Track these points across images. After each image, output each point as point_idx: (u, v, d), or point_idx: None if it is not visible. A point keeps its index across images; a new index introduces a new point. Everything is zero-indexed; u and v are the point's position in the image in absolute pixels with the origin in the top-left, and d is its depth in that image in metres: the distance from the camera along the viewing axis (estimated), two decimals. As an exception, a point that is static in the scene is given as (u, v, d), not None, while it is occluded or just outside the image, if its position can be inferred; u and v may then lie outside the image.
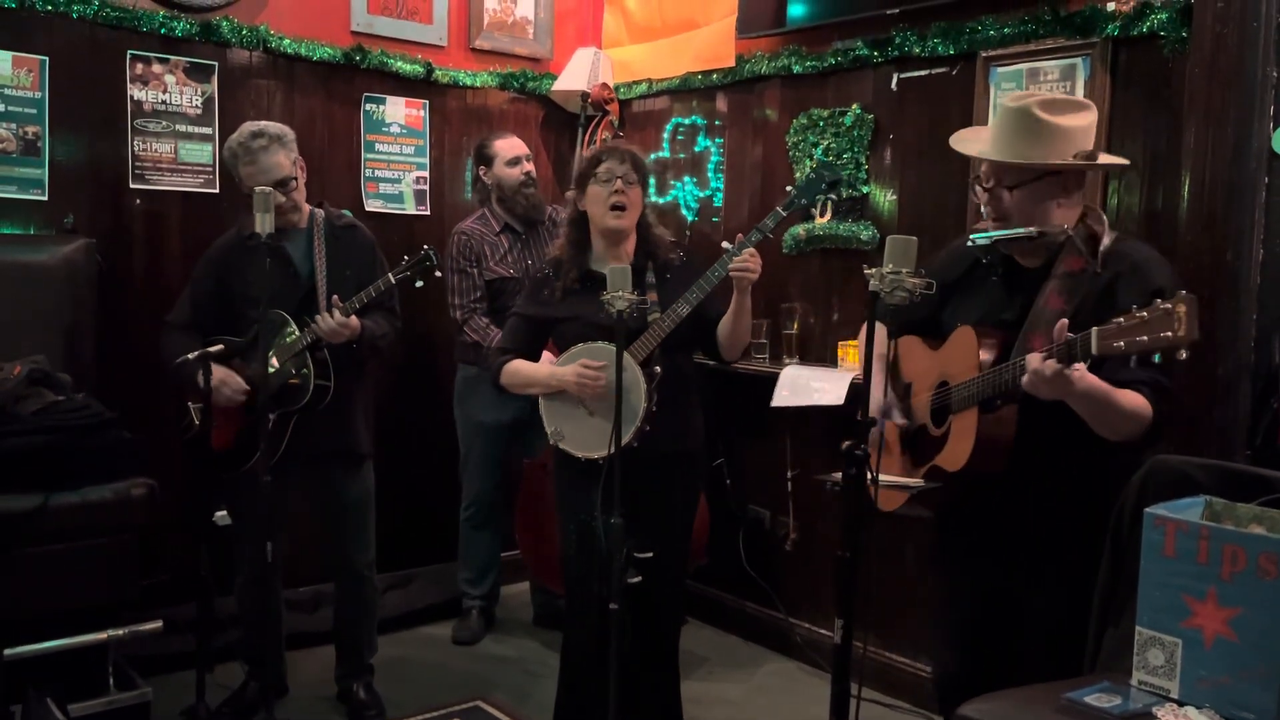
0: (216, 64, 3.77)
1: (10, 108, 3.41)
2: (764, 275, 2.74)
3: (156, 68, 3.66)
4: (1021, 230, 2.13)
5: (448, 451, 4.11)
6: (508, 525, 4.11)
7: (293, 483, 3.13)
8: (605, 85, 4.40)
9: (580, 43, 4.63)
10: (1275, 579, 1.63)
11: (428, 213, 4.32)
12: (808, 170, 2.99)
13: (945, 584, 2.45)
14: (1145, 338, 1.73)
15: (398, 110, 4.22)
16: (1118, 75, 2.92)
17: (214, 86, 3.77)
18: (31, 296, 3.22)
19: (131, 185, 3.64)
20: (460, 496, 4.09)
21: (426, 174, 4.32)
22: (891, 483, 2.31)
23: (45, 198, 3.47)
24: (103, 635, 2.86)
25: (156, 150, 3.68)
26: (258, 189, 2.79)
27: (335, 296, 3.03)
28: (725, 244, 2.69)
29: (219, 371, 3.04)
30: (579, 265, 2.79)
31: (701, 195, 4.24)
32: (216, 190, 3.78)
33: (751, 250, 2.63)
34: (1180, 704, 1.73)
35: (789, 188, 2.77)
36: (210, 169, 3.77)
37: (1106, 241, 2.13)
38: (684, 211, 4.30)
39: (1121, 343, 1.77)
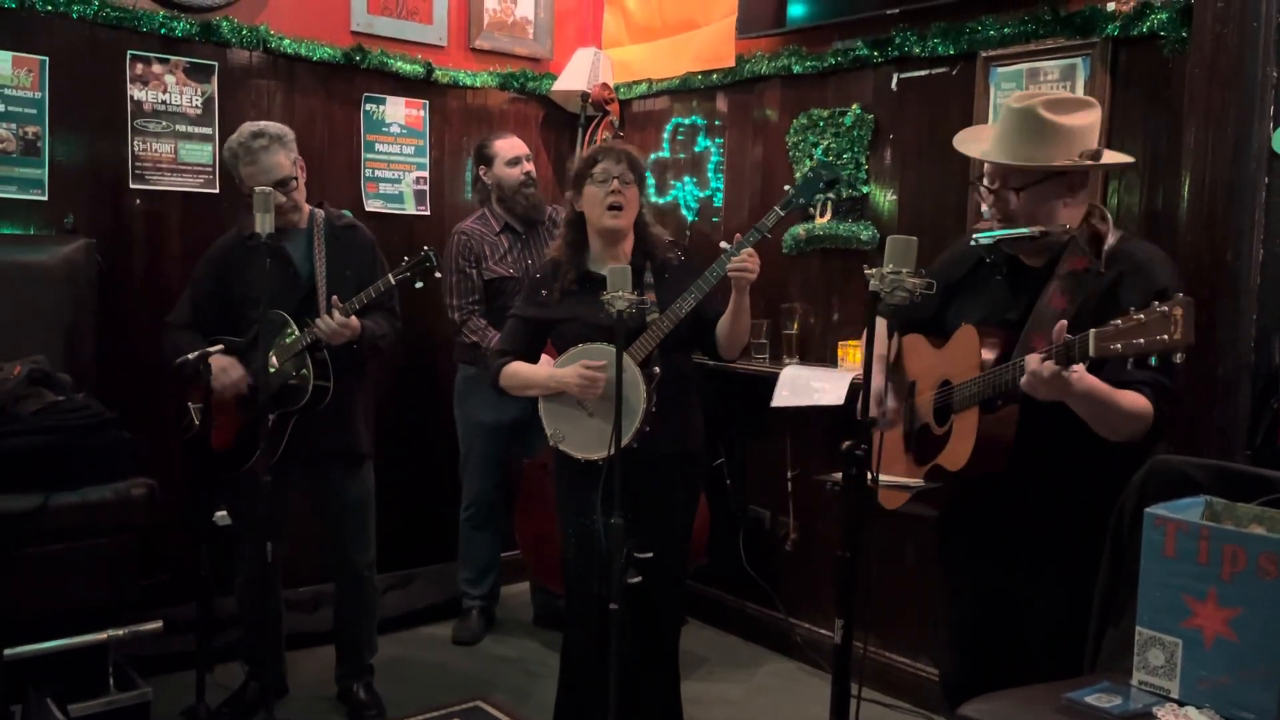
0: (216, 64, 3.77)
1: (10, 108, 3.41)
2: (764, 275, 2.74)
3: (156, 68, 3.66)
4: (1025, 230, 2.13)
5: (448, 451, 4.11)
6: (508, 525, 4.11)
7: (293, 483, 3.13)
8: (605, 85, 4.40)
9: (580, 43, 4.63)
10: (1275, 579, 1.63)
11: (428, 213, 4.32)
12: (806, 170, 2.99)
13: (947, 584, 2.45)
14: (1142, 340, 1.74)
15: (398, 110, 4.23)
16: (1118, 75, 2.92)
17: (214, 87, 3.77)
18: (31, 296, 3.22)
19: (131, 185, 3.64)
20: (460, 496, 4.09)
21: (426, 174, 4.32)
22: (891, 483, 2.31)
23: (45, 198, 3.47)
24: (103, 635, 2.86)
25: (156, 150, 3.68)
26: (258, 189, 2.79)
27: (335, 297, 3.03)
28: (724, 244, 2.69)
29: (221, 359, 3.04)
30: (577, 266, 2.78)
31: (701, 195, 4.24)
32: (216, 190, 3.78)
33: (750, 250, 2.63)
34: (1180, 704, 1.73)
35: (787, 187, 2.76)
36: (210, 169, 3.77)
37: (1111, 241, 2.13)
38: (684, 211, 4.30)
39: (1119, 345, 1.77)
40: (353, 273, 3.17)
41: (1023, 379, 1.95)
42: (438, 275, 3.16)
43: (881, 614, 3.43)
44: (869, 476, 1.87)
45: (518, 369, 2.80)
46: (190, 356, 2.98)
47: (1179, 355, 1.71)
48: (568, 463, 2.73)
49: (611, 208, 2.72)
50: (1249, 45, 2.44)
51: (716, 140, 4.18)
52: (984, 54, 3.19)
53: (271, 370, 2.99)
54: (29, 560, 2.74)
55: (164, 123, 3.69)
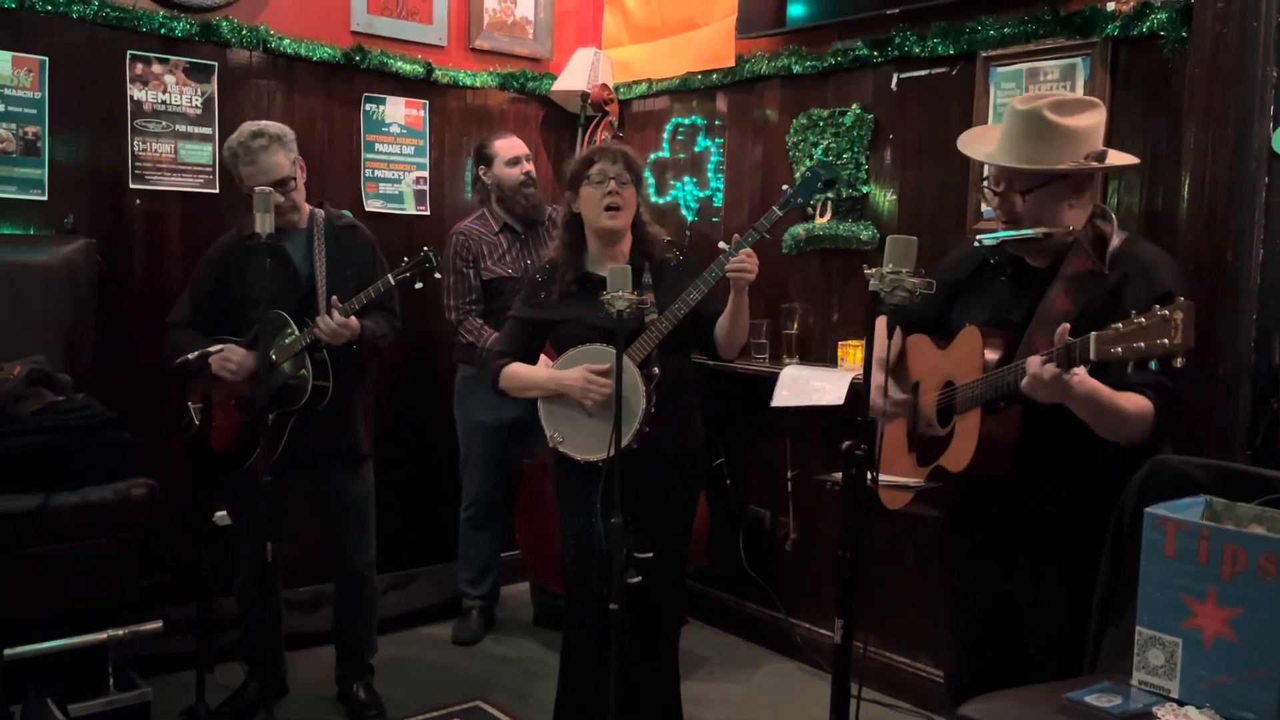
0: (216, 64, 3.77)
1: (10, 108, 3.41)
2: (764, 275, 2.74)
3: (156, 68, 3.66)
4: (1029, 231, 2.13)
5: (448, 451, 4.11)
6: (508, 525, 4.11)
7: (293, 483, 3.12)
8: (605, 86, 4.40)
9: (580, 43, 4.63)
10: (1275, 579, 1.63)
11: (427, 213, 4.32)
12: (804, 170, 2.99)
13: (951, 584, 2.45)
14: (1142, 344, 1.73)
15: (398, 110, 4.23)
16: (1118, 75, 2.92)
17: (214, 86, 3.77)
18: (31, 296, 3.22)
19: (131, 185, 3.64)
20: (460, 496, 4.09)
21: (426, 174, 4.32)
22: (891, 482, 2.31)
23: (45, 198, 3.47)
24: (103, 635, 2.86)
25: (156, 150, 3.68)
26: (257, 189, 2.79)
27: (335, 297, 3.03)
28: (722, 244, 2.69)
29: (224, 351, 3.04)
30: (575, 267, 2.78)
31: (701, 195, 4.24)
32: (216, 190, 3.78)
33: (749, 250, 2.63)
34: (1180, 704, 1.73)
35: (785, 187, 2.76)
36: (210, 169, 3.77)
37: (1115, 242, 2.13)
38: (684, 211, 4.30)
39: (1119, 348, 1.77)
40: (353, 273, 3.17)
41: (1023, 381, 1.95)
42: (437, 276, 3.16)
43: (881, 614, 3.43)
44: (869, 476, 1.87)
45: (517, 370, 2.80)
46: (190, 356, 2.98)
47: (1179, 360, 1.71)
48: (567, 464, 2.73)
49: (609, 208, 2.72)
50: (1249, 45, 2.44)
51: (716, 140, 4.18)
52: (984, 54, 3.19)
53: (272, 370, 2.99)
54: (29, 560, 2.74)
55: (164, 123, 3.69)
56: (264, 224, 2.72)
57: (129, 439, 2.96)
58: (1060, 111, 2.10)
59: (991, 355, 2.14)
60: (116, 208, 3.62)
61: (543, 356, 2.92)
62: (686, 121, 4.30)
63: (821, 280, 3.78)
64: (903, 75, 3.48)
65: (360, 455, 3.30)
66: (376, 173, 4.20)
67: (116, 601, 2.91)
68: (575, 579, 2.82)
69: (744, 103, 4.06)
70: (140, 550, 2.95)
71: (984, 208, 3.20)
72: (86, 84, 3.53)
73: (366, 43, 4.08)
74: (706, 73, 4.15)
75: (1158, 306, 1.73)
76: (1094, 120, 2.14)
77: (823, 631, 3.74)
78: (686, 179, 4.29)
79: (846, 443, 1.88)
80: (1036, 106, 2.11)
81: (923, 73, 3.42)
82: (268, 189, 2.80)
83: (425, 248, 3.10)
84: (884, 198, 3.57)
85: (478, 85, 4.40)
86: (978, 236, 2.25)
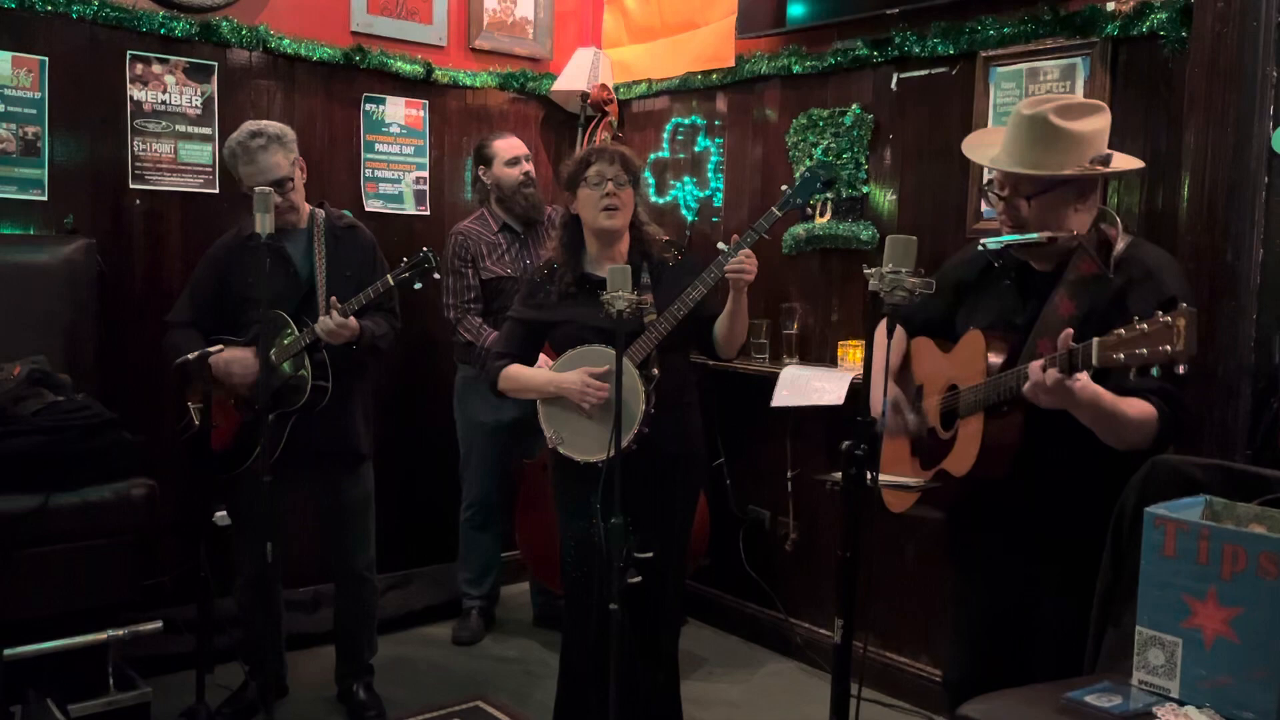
0: (216, 64, 3.77)
1: (10, 108, 3.41)
2: (764, 275, 2.73)
3: (156, 68, 3.66)
4: (1034, 236, 2.12)
5: (448, 451, 4.11)
6: (508, 526, 4.11)
7: (293, 483, 3.12)
8: (604, 86, 4.40)
9: (580, 43, 4.63)
10: (1276, 579, 1.63)
11: (427, 213, 4.32)
12: (803, 170, 2.99)
13: (954, 585, 2.44)
14: (1144, 350, 1.73)
15: (397, 110, 4.23)
16: (1118, 75, 2.92)
17: (214, 87, 3.77)
18: (31, 296, 3.22)
19: (131, 185, 3.64)
20: (460, 497, 4.09)
21: (426, 174, 4.32)
22: (891, 482, 2.31)
23: (45, 198, 3.47)
24: (103, 635, 2.86)
25: (156, 150, 3.68)
26: (257, 189, 2.79)
27: (334, 298, 3.03)
28: (721, 244, 2.69)
29: (225, 353, 3.04)
30: (573, 268, 2.78)
31: (701, 195, 4.24)
32: (216, 190, 3.78)
33: (748, 251, 2.62)
34: (1180, 704, 1.73)
35: (784, 187, 2.76)
36: (210, 169, 3.77)
37: (1120, 246, 2.12)
38: (684, 211, 4.30)
39: (1121, 354, 1.76)
40: (353, 273, 3.17)
41: (1025, 386, 1.94)
42: (436, 276, 3.16)
43: (881, 614, 3.43)
44: (869, 476, 1.87)
45: (516, 372, 2.79)
46: (190, 356, 2.98)
47: (1181, 366, 1.70)
48: (567, 465, 2.73)
49: (607, 209, 2.71)
50: (1249, 45, 2.44)
51: (716, 140, 4.18)
52: (984, 54, 3.19)
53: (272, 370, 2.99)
54: (29, 561, 2.74)
55: (164, 123, 3.69)
56: (264, 224, 2.71)
57: (129, 439, 2.96)
58: (1066, 116, 2.09)
59: (995, 359, 2.13)
60: (116, 208, 3.62)
61: (542, 356, 2.91)
62: (686, 121, 4.30)
63: (821, 280, 3.78)
64: (903, 75, 3.48)
65: (360, 455, 3.30)
66: (376, 173, 4.20)
67: (116, 602, 2.91)
68: (575, 580, 2.82)
69: (744, 103, 4.06)
70: (140, 550, 2.95)
71: (984, 207, 3.20)
72: (86, 84, 3.54)
73: (366, 43, 4.08)
74: (706, 73, 4.15)
75: (1160, 313, 1.73)
76: (1099, 124, 2.13)
77: (823, 631, 3.74)
78: (686, 179, 4.29)
79: (846, 443, 1.87)
80: (1042, 111, 2.10)
81: (923, 73, 3.42)
82: (267, 189, 2.80)
83: (425, 248, 3.10)
84: (884, 198, 3.57)
85: (478, 85, 4.40)
86: (981, 241, 2.24)
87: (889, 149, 3.55)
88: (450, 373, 4.06)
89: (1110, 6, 2.89)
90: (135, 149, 3.64)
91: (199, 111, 3.75)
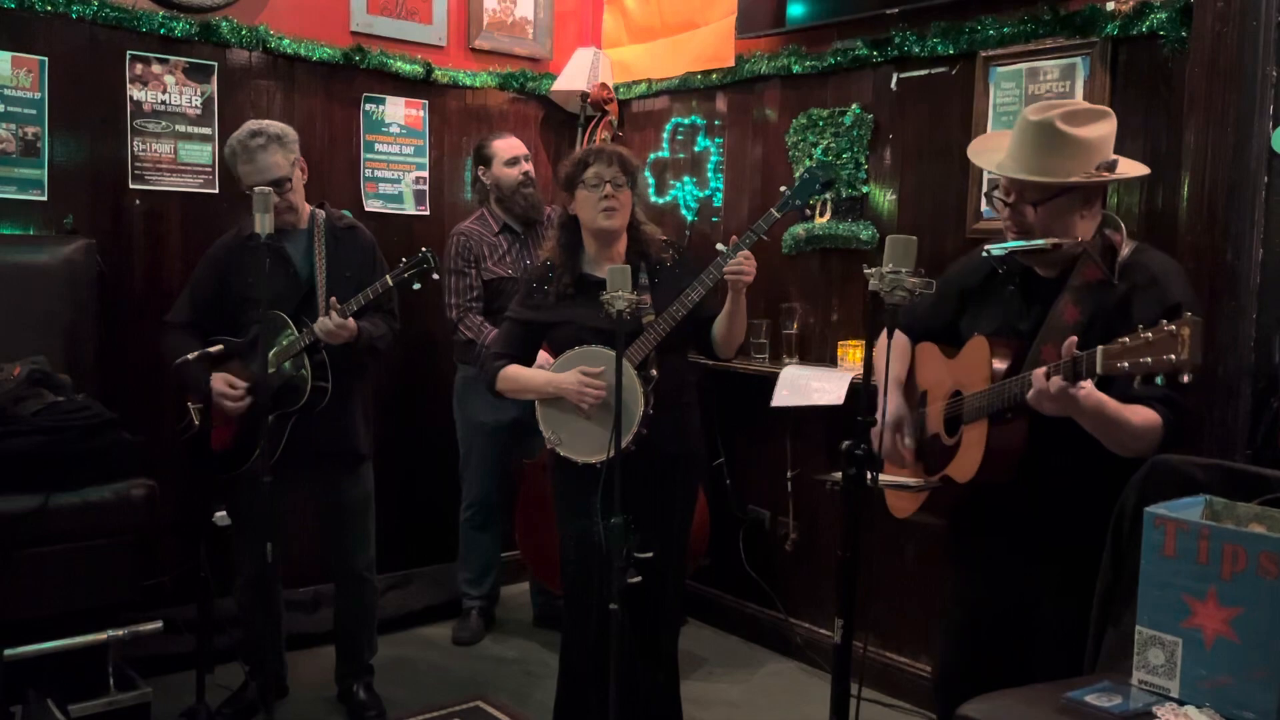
0: (216, 64, 3.77)
1: (10, 108, 3.41)
2: (763, 275, 2.73)
3: (156, 68, 3.66)
4: (1039, 242, 2.11)
5: (448, 451, 4.11)
6: (508, 526, 4.11)
7: (292, 483, 3.12)
8: (604, 85, 4.40)
9: (580, 43, 4.63)
10: (1276, 578, 1.63)
11: (427, 213, 4.32)
12: (802, 171, 2.99)
13: (952, 585, 2.44)
14: (1149, 359, 1.72)
15: (397, 110, 4.23)
16: (1117, 75, 2.92)
17: (213, 87, 3.77)
18: (31, 297, 3.22)
19: (131, 185, 3.64)
20: (460, 497, 4.08)
21: (426, 174, 4.32)
22: (891, 482, 2.31)
23: (45, 198, 3.47)
24: (103, 636, 2.86)
25: (156, 150, 3.68)
26: (256, 189, 2.79)
27: (333, 298, 3.03)
28: (720, 245, 2.69)
29: (219, 381, 3.04)
30: (572, 269, 2.78)
31: (701, 195, 4.24)
32: (216, 190, 3.78)
33: (746, 253, 2.62)
34: (1180, 704, 1.72)
35: (783, 189, 2.76)
36: (210, 169, 3.77)
37: (1125, 252, 2.12)
38: (683, 211, 4.30)
39: (1126, 363, 1.76)
40: (352, 274, 3.17)
41: (1029, 394, 1.94)
42: (435, 277, 3.15)
43: (881, 614, 3.43)
44: (869, 476, 1.87)
45: (514, 372, 2.79)
46: (190, 357, 2.98)
47: (1186, 375, 1.70)
48: (566, 465, 2.73)
49: (605, 210, 2.71)
50: (1249, 44, 2.43)
51: (716, 140, 4.18)
52: (984, 54, 3.19)
53: (270, 371, 2.99)
54: (29, 561, 2.74)
55: (163, 123, 3.69)
56: (263, 224, 2.71)
57: (129, 439, 2.96)
58: (1072, 122, 2.08)
59: (999, 365, 2.13)
60: (116, 208, 3.62)
61: (543, 354, 2.91)
62: (686, 121, 4.30)
63: (821, 280, 3.78)
64: (902, 75, 3.48)
65: (360, 455, 3.30)
66: (376, 173, 4.20)
67: (116, 602, 2.91)
68: (574, 580, 2.82)
69: (744, 103, 4.06)
70: (140, 550, 2.95)
71: (984, 207, 3.20)
72: (86, 84, 3.54)
73: (366, 43, 4.08)
74: (706, 73, 4.15)
75: (1165, 321, 1.72)
76: (1105, 130, 2.12)
77: (823, 631, 3.74)
78: (686, 179, 4.29)
79: (846, 443, 1.87)
80: (1049, 117, 2.08)
81: (922, 72, 3.42)
82: (266, 189, 2.80)
83: (424, 248, 3.10)
84: (884, 197, 3.57)
85: (477, 85, 4.40)
86: (986, 247, 2.23)
87: (889, 149, 3.55)
88: (450, 373, 4.06)
89: (1110, 6, 2.89)
90: (135, 149, 3.64)
91: (199, 111, 3.75)
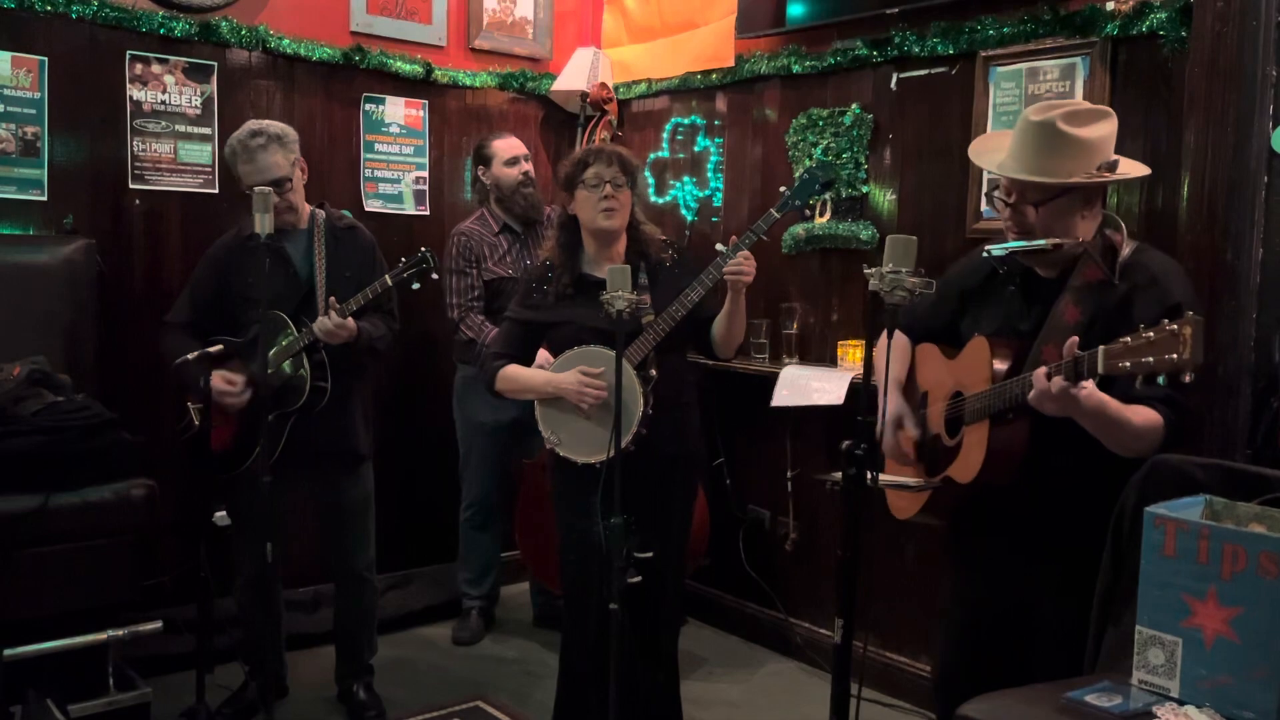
0: (216, 64, 3.77)
1: (9, 108, 3.41)
2: (763, 275, 2.73)
3: (156, 68, 3.66)
4: (1040, 243, 2.11)
5: (448, 451, 4.11)
6: (508, 526, 4.11)
7: (292, 483, 3.12)
8: (604, 85, 4.40)
9: (580, 43, 4.63)
10: (1276, 578, 1.63)
11: (427, 213, 4.32)
12: (802, 171, 2.99)
13: (952, 585, 2.44)
14: (1151, 359, 1.72)
15: (397, 110, 4.22)
16: (1117, 75, 2.92)
17: (213, 87, 3.77)
18: (31, 297, 3.22)
19: (131, 185, 3.64)
20: (460, 497, 4.08)
21: (426, 174, 4.32)
22: (891, 482, 2.31)
23: (45, 198, 3.47)
24: (103, 636, 2.86)
25: (156, 150, 3.68)
26: (256, 189, 2.79)
27: (332, 298, 3.03)
28: (719, 245, 2.68)
29: (218, 379, 3.04)
30: (571, 269, 2.77)
31: (701, 195, 4.24)
32: (216, 190, 3.78)
33: (746, 253, 2.62)
34: (1180, 703, 1.72)
35: (783, 189, 2.76)
36: (210, 169, 3.77)
37: (1125, 252, 2.12)
38: (683, 211, 4.30)
39: (1127, 362, 1.76)
40: (352, 274, 3.17)
41: (1030, 394, 1.94)
42: (435, 276, 3.15)
43: (881, 614, 3.43)
44: (869, 476, 1.87)
45: (514, 372, 2.79)
46: (190, 357, 2.98)
47: (1188, 375, 1.70)
48: (565, 466, 2.72)
49: (605, 210, 2.71)
50: (1249, 44, 2.44)
51: (716, 140, 4.18)
52: (983, 53, 3.19)
53: (269, 371, 2.99)
54: (29, 561, 2.74)
55: (163, 123, 3.69)
56: (263, 224, 2.71)
57: (129, 440, 2.96)
58: (1074, 122, 2.08)
59: (1000, 366, 2.13)
60: (116, 208, 3.62)
61: (542, 354, 2.90)
62: (686, 121, 4.30)
63: (821, 280, 3.78)
64: (902, 75, 3.48)
65: (359, 456, 3.30)
66: (376, 173, 4.20)
67: (116, 602, 2.91)
68: (574, 580, 2.82)
69: (743, 102, 4.06)
70: (140, 550, 2.95)
71: (984, 207, 3.20)
72: (86, 84, 3.53)
73: (366, 43, 4.08)
74: (706, 72, 4.15)
75: (1166, 321, 1.72)
76: (1107, 130, 2.12)
77: (823, 631, 3.74)
78: (686, 179, 4.29)
79: (846, 442, 1.87)
80: (1050, 117, 2.08)
81: (922, 72, 3.42)
82: (266, 189, 2.80)
83: (423, 248, 3.10)
84: (883, 197, 3.57)
85: (477, 85, 4.40)
86: (986, 247, 2.23)
87: (889, 149, 3.55)
88: (450, 373, 4.05)
89: (1110, 6, 2.89)
90: (135, 149, 3.64)
91: (198, 111, 3.75)
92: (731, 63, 4.02)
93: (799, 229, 3.75)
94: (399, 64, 4.15)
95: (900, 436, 2.36)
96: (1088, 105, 2.20)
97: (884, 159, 3.56)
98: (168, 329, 3.19)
